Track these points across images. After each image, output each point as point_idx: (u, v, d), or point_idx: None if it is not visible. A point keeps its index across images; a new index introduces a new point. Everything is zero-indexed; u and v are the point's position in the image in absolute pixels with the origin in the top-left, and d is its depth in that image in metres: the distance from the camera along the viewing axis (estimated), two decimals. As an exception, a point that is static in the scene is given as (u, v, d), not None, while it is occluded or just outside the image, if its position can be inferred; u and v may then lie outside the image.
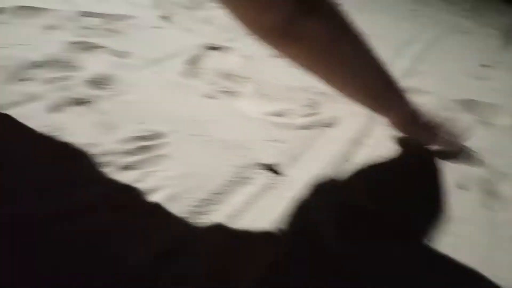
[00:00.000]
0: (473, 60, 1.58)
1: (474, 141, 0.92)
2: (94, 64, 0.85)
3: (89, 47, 0.92)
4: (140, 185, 0.57)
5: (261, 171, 0.66)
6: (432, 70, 1.34)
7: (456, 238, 0.63)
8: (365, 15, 1.88)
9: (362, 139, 0.82)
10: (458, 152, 0.84)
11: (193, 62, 0.97)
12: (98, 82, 0.79)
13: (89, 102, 0.73)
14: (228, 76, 0.94)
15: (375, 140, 0.82)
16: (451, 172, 0.78)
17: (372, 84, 0.67)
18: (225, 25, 1.28)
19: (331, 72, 0.64)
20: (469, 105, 1.13)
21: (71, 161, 0.59)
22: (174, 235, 0.51)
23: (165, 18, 1.20)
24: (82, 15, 1.08)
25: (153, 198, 0.56)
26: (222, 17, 1.34)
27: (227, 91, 0.88)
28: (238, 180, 0.63)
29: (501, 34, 2.14)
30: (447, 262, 0.58)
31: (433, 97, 1.11)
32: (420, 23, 1.97)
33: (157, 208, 0.54)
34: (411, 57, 1.43)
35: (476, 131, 0.99)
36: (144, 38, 1.05)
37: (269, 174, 0.66)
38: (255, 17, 0.52)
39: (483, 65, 1.53)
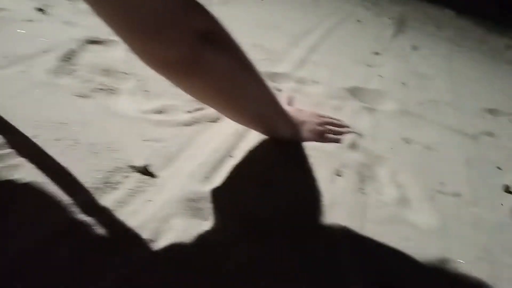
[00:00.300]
0: (365, 48, 1.67)
1: (356, 127, 0.97)
2: None
3: None
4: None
5: (131, 174, 0.63)
6: (325, 59, 1.39)
7: (330, 224, 0.65)
8: (265, 6, 1.90)
9: (246, 132, 0.82)
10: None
11: (68, 58, 0.89)
12: None
13: None
14: (107, 72, 0.88)
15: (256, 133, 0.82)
16: (330, 160, 0.80)
17: (265, 112, 0.72)
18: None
19: (229, 105, 0.67)
20: (355, 92, 1.18)
21: None
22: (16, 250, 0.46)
23: (41, 10, 1.09)
24: None
25: (-4, 215, 0.50)
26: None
27: (103, 89, 0.82)
28: (103, 187, 0.59)
29: (394, 22, 2.29)
30: (314, 250, 0.60)
31: (322, 86, 1.15)
32: (319, 13, 2.04)
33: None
34: (306, 47, 1.46)
35: (360, 117, 1.04)
36: (12, 33, 0.95)
37: (140, 177, 0.63)
38: (154, 54, 0.51)
39: (374, 53, 1.62)
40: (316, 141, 0.84)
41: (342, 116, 1.00)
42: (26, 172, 0.57)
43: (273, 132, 0.78)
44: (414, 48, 1.91)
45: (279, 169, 0.73)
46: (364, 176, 0.80)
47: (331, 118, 0.92)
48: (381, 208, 0.73)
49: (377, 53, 1.63)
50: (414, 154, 0.94)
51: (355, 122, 1.00)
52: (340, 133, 0.90)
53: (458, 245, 0.70)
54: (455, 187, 0.87)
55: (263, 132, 0.78)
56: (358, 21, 2.09)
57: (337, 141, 0.87)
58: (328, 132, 0.87)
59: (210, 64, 0.55)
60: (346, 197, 0.72)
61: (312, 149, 0.82)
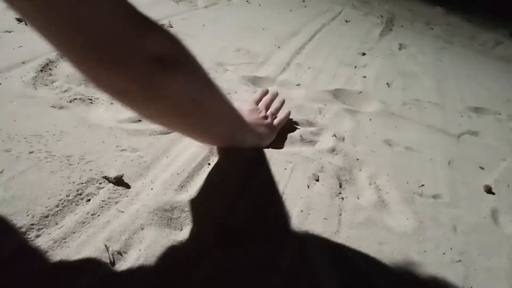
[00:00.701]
0: (351, 49, 1.67)
1: (337, 130, 0.97)
2: None
3: None
4: (-50, 218, 0.51)
5: (105, 185, 0.63)
6: (309, 62, 1.39)
7: (301, 230, 0.65)
8: (252, 8, 1.90)
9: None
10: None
11: (46, 69, 0.89)
12: None
13: None
14: (85, 81, 0.88)
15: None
16: (308, 165, 0.81)
17: (228, 130, 0.71)
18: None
19: (192, 128, 0.65)
20: (338, 94, 1.19)
21: None
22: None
23: (21, 20, 1.09)
24: None
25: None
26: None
27: (81, 99, 0.82)
28: (75, 199, 0.59)
29: (382, 21, 2.29)
30: (289, 257, 0.60)
31: (305, 89, 1.15)
32: (307, 14, 2.04)
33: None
34: (291, 50, 1.46)
35: (341, 119, 1.04)
36: (-9, 44, 0.95)
37: (114, 188, 0.63)
38: (108, 83, 0.47)
39: (360, 53, 1.62)
40: (272, 138, 0.84)
41: (323, 120, 1.01)
42: (-3, 186, 0.57)
43: (237, 145, 0.77)
44: (402, 47, 1.92)
45: (252, 176, 0.73)
46: (343, 180, 0.80)
47: (265, 99, 0.93)
48: (357, 212, 0.73)
49: (363, 54, 1.64)
50: (395, 156, 0.95)
51: (337, 125, 1.00)
52: (279, 107, 0.93)
53: (434, 247, 0.70)
54: (435, 189, 0.87)
55: (228, 146, 0.77)
56: (346, 21, 2.10)
57: (286, 118, 0.90)
58: (273, 117, 0.87)
59: (167, 89, 0.51)
60: (322, 202, 0.72)
61: (291, 154, 0.82)
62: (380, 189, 0.81)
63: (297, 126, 0.94)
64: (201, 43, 1.32)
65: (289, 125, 0.93)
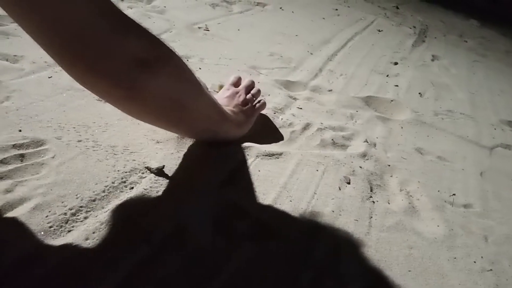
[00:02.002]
0: (384, 58, 1.68)
1: (369, 136, 0.98)
2: (-24, 69, 0.81)
3: (-26, 50, 0.87)
4: (8, 196, 0.55)
5: (147, 175, 0.66)
6: (342, 68, 1.41)
7: (333, 230, 0.67)
8: (286, 14, 1.93)
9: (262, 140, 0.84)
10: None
11: (92, 65, 0.94)
12: (-22, 88, 0.75)
13: (-36, 110, 0.69)
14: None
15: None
16: (340, 167, 0.82)
17: (210, 126, 0.71)
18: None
19: (173, 126, 0.67)
20: (370, 101, 1.20)
21: None
22: (35, 245, 0.50)
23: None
24: (-29, 17, 1.02)
25: (20, 208, 0.54)
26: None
27: (124, 95, 0.87)
28: (120, 186, 0.62)
29: (415, 32, 2.28)
30: (322, 254, 0.62)
31: (337, 95, 1.17)
32: (339, 23, 2.05)
33: (20, 219, 0.52)
34: (324, 56, 1.48)
35: (373, 126, 1.05)
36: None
37: (155, 178, 0.66)
38: (91, 82, 0.49)
39: (392, 63, 1.63)
40: (251, 123, 0.84)
41: (355, 125, 1.02)
42: (50, 169, 0.61)
43: (219, 139, 0.77)
44: (435, 58, 1.90)
45: (289, 175, 0.75)
46: (374, 184, 0.81)
47: (246, 83, 0.90)
48: (388, 216, 0.74)
49: (395, 63, 1.64)
50: (426, 165, 0.95)
51: (368, 131, 1.01)
52: (257, 94, 0.90)
53: (465, 255, 0.70)
54: (466, 199, 0.87)
55: (212, 141, 0.77)
56: (379, 31, 2.10)
57: (264, 105, 0.89)
58: (252, 103, 0.86)
59: (148, 90, 0.51)
60: (353, 204, 0.73)
61: (323, 157, 0.83)
62: (411, 196, 0.81)
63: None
64: (236, 46, 1.35)
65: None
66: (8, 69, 0.85)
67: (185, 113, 0.62)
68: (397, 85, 1.38)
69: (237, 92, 0.86)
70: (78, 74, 0.48)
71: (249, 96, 0.87)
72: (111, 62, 0.46)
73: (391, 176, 0.86)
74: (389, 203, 0.78)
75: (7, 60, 0.88)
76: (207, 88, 0.65)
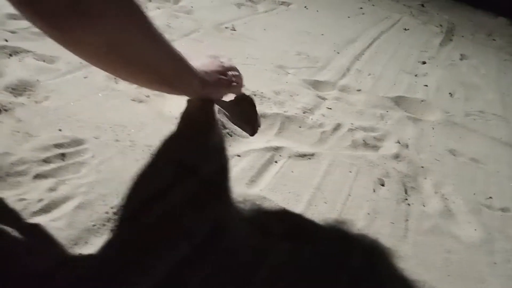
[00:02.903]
0: (411, 57, 1.65)
1: (401, 137, 0.97)
2: (16, 70, 0.83)
3: (13, 51, 0.89)
4: (52, 194, 0.57)
5: (183, 174, 0.67)
6: (369, 68, 1.39)
7: (369, 232, 0.66)
8: (310, 15, 1.92)
9: (285, 140, 0.84)
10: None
11: (125, 65, 0.96)
12: (18, 88, 0.77)
13: (6, 110, 0.71)
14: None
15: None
16: (373, 169, 0.81)
17: (165, 80, 0.67)
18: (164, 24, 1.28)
19: (120, 72, 0.63)
20: (400, 101, 1.18)
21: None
22: (82, 242, 0.51)
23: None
24: (8, 18, 1.04)
25: (64, 206, 0.55)
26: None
27: (155, 94, 0.88)
28: (157, 185, 0.63)
29: (442, 31, 2.24)
30: (358, 257, 0.61)
31: (365, 95, 1.15)
32: (365, 21, 2.03)
33: (64, 217, 0.53)
34: (350, 55, 1.47)
35: (404, 127, 1.04)
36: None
37: (191, 176, 0.67)
38: (32, 21, 0.47)
39: (420, 62, 1.60)
40: (224, 94, 0.84)
41: (385, 126, 1.01)
42: (90, 168, 0.63)
43: (184, 95, 0.76)
44: (463, 57, 1.86)
45: (323, 176, 0.75)
46: (408, 186, 0.80)
47: (229, 66, 0.87)
48: (424, 219, 0.73)
49: (423, 62, 1.61)
50: (460, 167, 0.93)
51: (399, 131, 1.00)
52: (240, 79, 0.88)
53: (504, 260, 0.69)
54: (503, 202, 0.85)
55: (166, 92, 0.74)
56: (405, 29, 2.07)
57: (239, 88, 0.88)
58: (231, 80, 0.84)
59: (80, 33, 0.48)
60: (389, 207, 0.72)
61: (355, 158, 0.83)
62: (446, 198, 0.80)
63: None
64: (263, 46, 1.35)
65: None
66: (45, 69, 0.86)
67: (126, 62, 0.58)
68: (426, 85, 1.36)
69: (222, 64, 0.84)
70: (22, 14, 0.47)
71: (231, 73, 0.85)
72: (46, 5, 0.44)
73: (425, 178, 0.85)
74: (424, 206, 0.77)
75: (44, 60, 0.90)
76: (164, 37, 0.60)
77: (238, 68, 0.89)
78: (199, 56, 0.84)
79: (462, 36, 2.26)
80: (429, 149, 0.96)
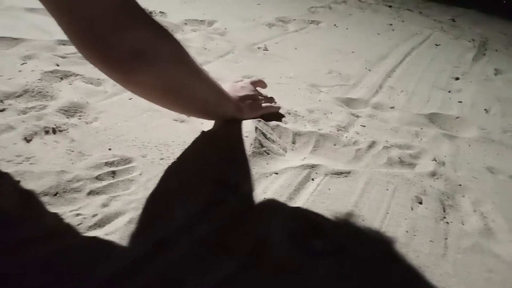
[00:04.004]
0: (444, 73, 1.64)
1: (437, 154, 0.96)
2: (67, 93, 0.89)
3: (64, 75, 0.96)
4: (105, 210, 0.60)
5: (226, 192, 0.69)
6: (402, 84, 1.39)
7: (408, 250, 0.66)
8: (340, 31, 1.95)
9: (320, 159, 0.86)
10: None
11: (166, 86, 1.01)
12: (70, 110, 0.82)
13: (61, 130, 0.76)
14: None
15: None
16: (410, 187, 0.82)
17: (208, 106, 0.76)
18: (199, 47, 1.33)
19: (170, 105, 0.72)
20: (434, 118, 1.18)
21: (37, 188, 0.62)
22: (133, 256, 0.54)
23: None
24: (58, 44, 1.12)
25: (117, 221, 0.59)
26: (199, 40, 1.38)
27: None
28: (202, 203, 0.66)
29: (474, 45, 2.21)
30: (399, 274, 0.62)
31: (399, 112, 1.16)
32: (395, 38, 2.04)
33: (117, 231, 0.57)
34: (382, 72, 1.48)
35: (440, 144, 1.03)
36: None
37: (233, 194, 0.69)
38: (96, 65, 0.56)
39: (453, 78, 1.59)
40: (257, 116, 0.89)
41: (421, 143, 1.01)
42: (139, 185, 0.67)
43: (223, 119, 0.85)
44: (498, 72, 1.84)
45: (360, 194, 0.76)
46: (446, 204, 0.80)
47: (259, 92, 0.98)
48: (463, 238, 0.72)
49: (457, 78, 1.60)
50: (499, 185, 0.91)
51: (435, 149, 0.99)
52: (271, 101, 0.97)
53: (550, 281, 0.67)
54: (546, 221, 0.83)
55: (208, 119, 0.85)
56: (436, 45, 2.06)
57: (275, 109, 0.96)
58: (262, 102, 0.94)
59: (141, 77, 0.57)
60: (427, 225, 0.73)
61: (392, 176, 0.83)
62: (485, 217, 0.79)
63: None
64: (295, 65, 1.38)
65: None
66: (94, 91, 0.92)
67: (179, 96, 0.68)
68: (460, 101, 1.35)
69: (252, 89, 0.94)
70: (85, 56, 0.55)
71: (261, 97, 0.95)
72: (112, 53, 0.53)
73: (463, 196, 0.84)
74: (463, 224, 0.76)
75: (91, 83, 0.96)
76: (207, 73, 0.71)
77: (267, 86, 1.01)
78: (230, 80, 0.95)
79: (496, 50, 2.23)
80: (466, 166, 0.96)
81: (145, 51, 0.55)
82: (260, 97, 0.96)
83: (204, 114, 0.79)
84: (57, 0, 0.49)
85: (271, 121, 0.92)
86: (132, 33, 0.53)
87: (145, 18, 0.55)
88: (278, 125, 0.92)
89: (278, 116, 0.97)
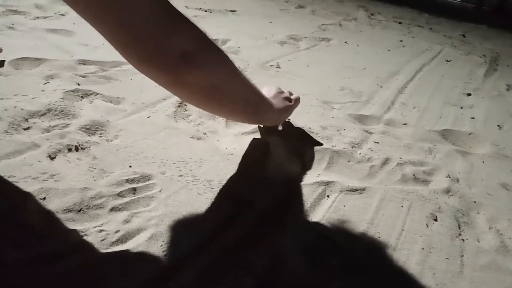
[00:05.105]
0: (455, 88, 1.65)
1: (451, 170, 0.97)
2: (88, 111, 0.92)
3: (84, 94, 0.99)
4: (127, 226, 0.62)
5: (242, 208, 0.71)
6: (414, 101, 1.40)
7: (425, 268, 0.67)
8: (351, 48, 1.97)
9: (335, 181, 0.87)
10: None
11: (182, 104, 1.03)
12: (92, 128, 0.85)
13: (83, 148, 0.79)
14: (212, 115, 1.00)
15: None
16: (424, 204, 0.82)
17: (249, 106, 0.78)
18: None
19: (216, 107, 0.73)
20: (447, 134, 1.18)
21: (61, 205, 0.64)
22: (155, 271, 0.56)
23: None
24: (79, 63, 1.16)
25: (138, 237, 0.61)
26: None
27: (212, 131, 0.94)
28: (220, 219, 0.68)
29: (485, 61, 2.22)
30: (415, 291, 0.62)
31: (412, 128, 1.17)
32: (405, 54, 2.05)
33: (139, 247, 0.59)
34: (394, 89, 1.49)
35: (453, 160, 1.04)
36: (137, 83, 1.12)
37: (249, 210, 0.71)
38: (145, 73, 0.59)
39: (465, 94, 1.59)
40: (290, 113, 0.96)
41: (434, 160, 1.01)
42: (159, 202, 0.68)
43: (262, 122, 0.90)
44: (510, 87, 1.83)
45: (375, 211, 0.77)
46: (461, 221, 0.80)
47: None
48: (480, 255, 0.72)
49: (469, 94, 1.60)
50: (514, 201, 0.91)
51: (449, 165, 1.00)
52: (299, 100, 1.01)
53: None
54: None
55: (253, 123, 0.91)
56: (447, 61, 2.07)
57: (297, 101, 1.00)
58: (290, 100, 0.97)
59: (191, 78, 0.60)
60: (443, 242, 0.73)
61: (406, 192, 0.84)
62: (501, 234, 0.79)
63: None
64: (307, 82, 1.41)
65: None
66: (113, 110, 0.95)
67: (225, 96, 0.69)
68: (473, 117, 1.35)
69: (283, 92, 0.98)
70: (134, 64, 0.57)
71: (291, 96, 1.00)
72: (162, 57, 0.56)
73: (478, 213, 0.84)
74: (479, 241, 0.76)
75: (111, 102, 0.99)
76: (246, 75, 0.73)
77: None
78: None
79: (507, 66, 2.23)
80: (480, 183, 0.96)
81: (194, 54, 0.58)
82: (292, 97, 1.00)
83: (246, 114, 0.80)
84: (103, 18, 0.51)
85: (291, 138, 0.94)
86: (180, 37, 0.56)
87: (189, 23, 0.58)
88: (294, 142, 0.94)
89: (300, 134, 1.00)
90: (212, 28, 1.85)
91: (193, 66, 0.59)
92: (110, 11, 0.50)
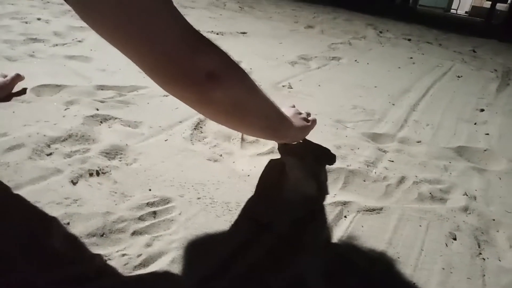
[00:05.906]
0: (468, 105, 1.65)
1: (467, 188, 0.96)
2: (108, 136, 0.94)
3: (103, 119, 1.02)
4: (149, 250, 0.63)
5: (260, 230, 0.72)
6: (427, 118, 1.41)
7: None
8: (362, 66, 1.99)
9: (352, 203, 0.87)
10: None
11: (198, 127, 1.05)
12: (111, 153, 0.87)
13: (104, 172, 0.81)
14: (228, 137, 1.02)
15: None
16: (443, 223, 0.82)
17: (271, 126, 0.82)
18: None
19: (239, 124, 0.76)
20: (462, 151, 1.18)
21: (84, 229, 0.66)
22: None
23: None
24: (97, 89, 1.19)
25: (160, 261, 0.62)
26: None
27: (228, 153, 0.95)
28: (238, 241, 0.68)
29: (497, 76, 2.21)
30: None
31: (426, 146, 1.17)
32: (416, 71, 2.06)
33: (161, 270, 0.60)
34: (406, 106, 1.50)
35: (470, 178, 1.03)
36: (154, 107, 1.15)
37: (267, 232, 0.71)
38: (170, 92, 0.61)
39: (477, 109, 1.59)
40: (308, 132, 1.02)
41: (450, 177, 1.01)
42: (179, 225, 0.70)
43: (283, 138, 0.93)
44: (524, 102, 1.82)
45: (393, 231, 0.77)
46: (480, 240, 0.79)
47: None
48: (502, 274, 0.71)
49: (482, 110, 1.60)
50: (534, 218, 0.90)
51: (465, 183, 0.99)
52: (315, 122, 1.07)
53: None
54: None
55: (273, 140, 0.96)
56: (458, 76, 2.07)
57: (314, 122, 1.05)
58: (308, 120, 1.02)
59: (216, 96, 0.62)
60: (463, 262, 0.72)
61: (424, 211, 0.84)
62: (523, 252, 0.78)
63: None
64: (320, 101, 1.42)
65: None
66: (132, 134, 0.98)
67: (247, 114, 0.72)
68: (487, 133, 1.35)
69: (300, 113, 1.03)
70: (159, 83, 0.59)
71: (308, 117, 1.06)
72: (189, 77, 0.58)
73: (498, 231, 0.84)
74: (500, 260, 0.75)
75: (129, 126, 1.02)
76: (267, 94, 0.76)
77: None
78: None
79: (520, 80, 2.22)
80: (498, 200, 0.95)
81: (218, 73, 0.60)
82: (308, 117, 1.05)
83: (268, 130, 0.83)
84: (131, 43, 0.53)
85: (307, 158, 0.95)
86: (205, 57, 0.58)
87: (211, 43, 0.60)
88: (310, 162, 0.94)
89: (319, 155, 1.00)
90: (224, 50, 1.89)
91: (217, 84, 0.61)
92: (141, 37, 0.52)
